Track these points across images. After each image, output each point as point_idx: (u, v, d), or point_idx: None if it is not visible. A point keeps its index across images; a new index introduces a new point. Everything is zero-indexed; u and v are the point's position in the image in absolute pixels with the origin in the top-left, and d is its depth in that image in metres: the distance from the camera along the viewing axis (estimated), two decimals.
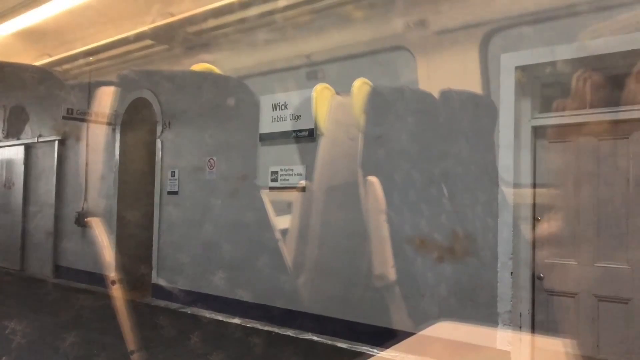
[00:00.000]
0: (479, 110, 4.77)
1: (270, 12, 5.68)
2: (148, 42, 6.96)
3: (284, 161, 5.78)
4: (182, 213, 6.86)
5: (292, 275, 5.68)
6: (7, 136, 10.15)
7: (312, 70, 5.62)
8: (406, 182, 4.83)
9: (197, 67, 6.80)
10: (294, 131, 5.64)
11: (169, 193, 7.01)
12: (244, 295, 6.04)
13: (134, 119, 7.63)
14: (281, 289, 5.72)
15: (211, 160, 6.51)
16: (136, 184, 7.65)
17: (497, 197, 4.57)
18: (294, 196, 5.64)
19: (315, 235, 5.56)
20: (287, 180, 5.71)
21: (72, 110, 7.33)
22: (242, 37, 6.44)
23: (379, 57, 5.22)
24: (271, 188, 5.88)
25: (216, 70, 6.70)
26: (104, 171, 8.01)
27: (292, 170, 5.67)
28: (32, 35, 7.92)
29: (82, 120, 7.56)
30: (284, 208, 5.74)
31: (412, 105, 4.93)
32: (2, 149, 10.28)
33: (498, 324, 4.19)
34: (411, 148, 4.89)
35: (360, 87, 4.97)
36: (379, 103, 4.90)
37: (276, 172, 5.82)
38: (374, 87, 4.92)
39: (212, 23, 6.26)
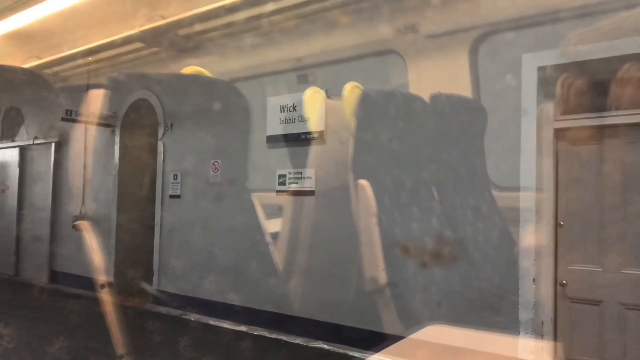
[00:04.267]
0: (469, 114, 4.75)
1: (260, 17, 5.69)
2: (137, 45, 6.94)
3: (292, 164, 5.63)
4: (184, 217, 6.68)
5: (283, 280, 5.54)
6: (1, 138, 9.90)
7: (302, 74, 5.62)
8: (397, 185, 4.80)
9: (188, 70, 6.74)
10: (304, 133, 5.49)
11: (171, 197, 6.82)
12: (251, 302, 5.87)
13: (134, 121, 7.44)
14: (286, 294, 5.56)
15: (215, 162, 6.34)
16: (136, 188, 7.45)
17: (487, 200, 4.57)
18: (301, 200, 5.49)
19: (315, 239, 5.41)
20: (296, 183, 5.56)
21: (70, 111, 7.12)
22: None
23: (369, 61, 5.24)
24: (279, 192, 5.72)
25: (206, 73, 6.63)
26: (103, 174, 7.80)
27: (301, 173, 5.52)
28: (20, 38, 7.86)
29: (81, 122, 7.35)
30: (295, 211, 5.58)
31: (402, 109, 4.88)
32: None
33: (519, 332, 4.06)
34: (401, 151, 4.87)
35: (351, 90, 4.94)
36: (370, 107, 4.86)
37: (284, 175, 5.66)
38: (365, 91, 4.89)
39: (204, 26, 6.26)
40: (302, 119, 5.52)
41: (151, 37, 6.58)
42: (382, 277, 4.65)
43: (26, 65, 8.57)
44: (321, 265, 5.26)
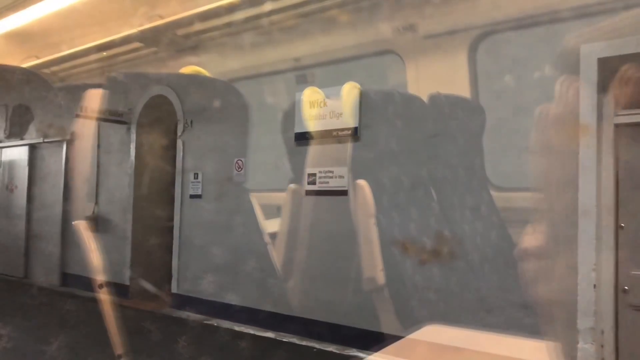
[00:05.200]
0: (467, 113, 4.69)
1: (260, 16, 5.70)
2: (136, 44, 6.97)
3: (322, 162, 5.37)
4: (206, 218, 6.42)
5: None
6: (10, 136, 9.63)
7: (301, 74, 5.68)
8: (395, 185, 4.81)
9: (187, 69, 6.63)
10: (336, 130, 5.23)
11: (192, 197, 6.56)
12: (278, 307, 5.61)
13: (151, 118, 7.18)
14: (317, 299, 5.31)
15: (239, 161, 6.08)
16: (154, 187, 7.20)
17: (485, 200, 4.50)
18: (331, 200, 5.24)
19: (349, 241, 5.15)
20: (327, 183, 5.30)
21: (85, 108, 6.86)
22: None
23: (368, 61, 5.30)
24: (308, 192, 5.46)
25: (205, 72, 6.51)
26: (118, 173, 7.54)
27: (332, 172, 5.26)
28: (19, 37, 7.77)
29: (97, 118, 7.09)
30: (327, 212, 5.32)
31: (401, 109, 4.88)
32: (4, 149, 9.76)
33: (578, 342, 3.80)
34: (400, 151, 4.88)
35: (350, 90, 4.93)
36: (369, 106, 4.86)
37: (314, 175, 5.40)
38: (364, 91, 4.88)
39: (203, 25, 6.23)
40: (334, 115, 5.26)
41: (150, 37, 6.56)
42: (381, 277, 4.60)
43: (25, 65, 8.48)
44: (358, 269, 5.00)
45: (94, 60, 7.76)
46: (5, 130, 9.76)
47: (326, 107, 5.32)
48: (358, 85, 5.03)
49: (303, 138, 5.51)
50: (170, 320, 6.27)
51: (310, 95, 5.37)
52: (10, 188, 9.60)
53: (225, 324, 5.91)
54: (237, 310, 5.99)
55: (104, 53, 7.31)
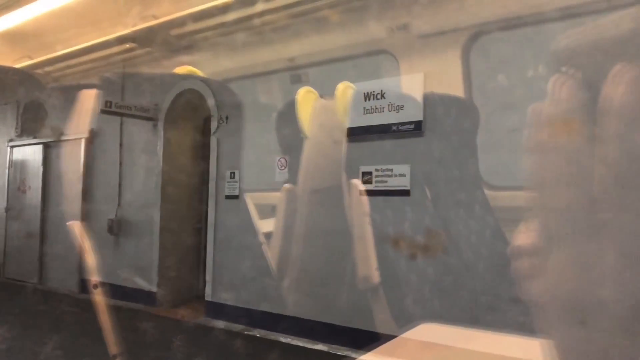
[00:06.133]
0: (461, 113, 4.66)
1: (253, 16, 5.61)
2: (130, 44, 6.80)
3: (379, 160, 4.95)
4: (244, 220, 5.98)
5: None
6: (22, 134, 9.16)
7: (296, 74, 5.66)
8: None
9: (181, 69, 6.50)
10: (395, 124, 4.81)
11: (228, 197, 6.12)
12: (330, 317, 5.18)
13: (181, 114, 6.74)
14: (373, 307, 4.88)
15: (282, 159, 5.65)
16: (183, 187, 6.75)
17: (479, 199, 4.50)
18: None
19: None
20: (385, 182, 4.87)
21: (110, 103, 6.40)
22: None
23: (362, 61, 5.28)
24: (361, 192, 5.03)
25: (199, 72, 6.36)
26: (144, 173, 7.09)
27: (392, 170, 4.84)
28: (12, 38, 7.66)
29: (122, 114, 6.64)
30: (385, 213, 4.90)
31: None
32: (16, 148, 9.28)
33: None
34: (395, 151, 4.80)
35: (344, 90, 4.95)
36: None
37: (369, 173, 4.98)
38: (358, 91, 4.89)
39: (197, 25, 6.12)
40: (393, 108, 4.83)
41: (144, 37, 6.44)
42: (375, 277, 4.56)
43: (18, 65, 8.31)
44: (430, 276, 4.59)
45: (88, 60, 7.60)
46: (16, 129, 9.29)
47: (384, 99, 4.89)
48: (352, 85, 5.01)
49: (356, 133, 5.08)
50: (206, 330, 5.83)
51: (304, 95, 5.31)
52: (22, 189, 9.13)
53: (270, 335, 5.48)
54: (279, 319, 5.56)
55: (127, 45, 6.82)
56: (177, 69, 6.56)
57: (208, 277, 6.26)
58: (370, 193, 4.95)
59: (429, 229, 4.66)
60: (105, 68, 7.65)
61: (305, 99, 5.28)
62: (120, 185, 7.36)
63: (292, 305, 5.59)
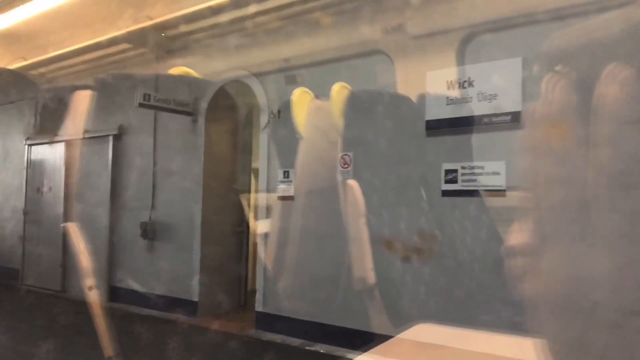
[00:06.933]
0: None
1: (247, 16, 5.63)
2: (125, 45, 6.82)
3: (466, 156, 4.42)
4: (300, 223, 5.45)
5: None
6: (41, 132, 8.59)
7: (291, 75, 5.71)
8: (385, 185, 4.62)
9: (176, 70, 6.36)
10: (487, 115, 4.28)
11: (281, 198, 5.59)
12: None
13: (224, 108, 6.20)
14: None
15: (345, 157, 5.10)
16: (228, 187, 6.21)
17: (474, 199, 4.40)
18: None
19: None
20: (475, 181, 4.35)
21: (149, 96, 5.86)
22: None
23: (357, 62, 5.33)
24: (445, 192, 4.51)
25: (194, 73, 6.21)
26: (181, 172, 6.55)
27: (483, 168, 4.31)
28: (5, 39, 7.61)
29: (160, 108, 6.09)
30: (472, 217, 4.38)
31: (390, 109, 4.81)
32: (34, 147, 8.72)
33: None
34: (390, 152, 4.77)
35: (339, 91, 4.88)
36: (358, 107, 4.74)
37: (454, 171, 4.46)
38: (353, 91, 4.79)
39: (192, 27, 6.12)
40: (484, 97, 4.31)
41: (138, 38, 6.42)
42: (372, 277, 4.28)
43: (12, 67, 8.28)
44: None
45: (82, 61, 7.65)
46: (35, 126, 8.73)
47: (472, 87, 4.37)
48: (348, 86, 4.91)
49: (437, 127, 4.56)
50: (262, 345, 5.30)
51: (300, 96, 5.25)
52: (42, 191, 8.57)
53: (336, 350, 4.95)
54: (344, 332, 5.04)
55: (162, 34, 6.31)
56: (172, 70, 6.41)
57: (259, 286, 5.72)
58: (453, 193, 4.43)
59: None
60: (98, 70, 7.64)
61: (301, 99, 5.19)
62: (154, 185, 6.81)
63: (362, 317, 5.06)
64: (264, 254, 5.74)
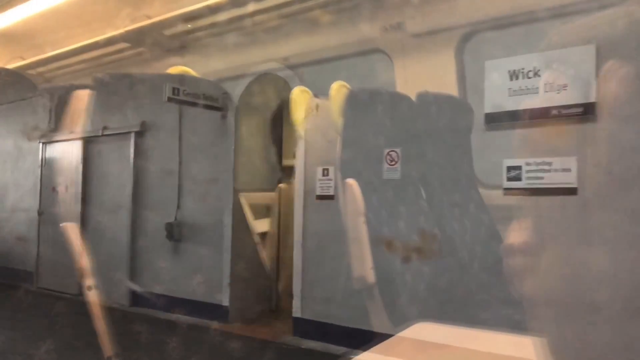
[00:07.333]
0: (456, 112, 4.62)
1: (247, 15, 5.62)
2: (123, 44, 6.86)
3: (531, 152, 4.10)
4: (341, 224, 5.13)
5: None
6: (57, 129, 8.28)
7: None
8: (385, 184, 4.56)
9: (174, 69, 6.25)
10: (556, 107, 3.96)
11: (320, 197, 5.27)
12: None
13: (257, 102, 5.89)
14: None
15: (392, 153, 4.78)
16: (261, 185, 5.90)
17: (473, 199, 4.48)
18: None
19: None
20: (541, 178, 4.02)
21: (178, 90, 5.55)
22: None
23: (356, 60, 5.34)
24: (507, 190, 4.17)
25: (192, 72, 6.11)
26: (209, 171, 6.24)
27: (550, 164, 3.97)
28: (3, 39, 7.65)
29: (189, 103, 5.78)
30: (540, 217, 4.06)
31: (389, 108, 4.72)
32: (49, 145, 8.41)
33: None
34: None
35: (338, 89, 4.88)
36: (357, 106, 4.62)
37: (518, 168, 4.09)
38: (352, 90, 4.70)
39: (192, 25, 6.14)
40: (552, 88, 3.98)
41: (136, 37, 6.43)
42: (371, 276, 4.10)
43: (10, 66, 8.27)
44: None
45: (80, 60, 7.72)
46: (50, 123, 8.42)
47: (538, 77, 4.05)
48: (347, 84, 4.85)
49: (498, 120, 4.23)
50: (304, 354, 4.99)
51: (299, 95, 5.19)
52: (57, 190, 8.26)
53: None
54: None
55: (189, 25, 6.02)
56: (171, 69, 6.26)
57: (296, 290, 5.41)
58: (519, 191, 4.11)
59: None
60: (96, 69, 7.62)
61: (300, 98, 5.14)
62: (180, 185, 6.50)
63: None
64: (301, 258, 5.44)
